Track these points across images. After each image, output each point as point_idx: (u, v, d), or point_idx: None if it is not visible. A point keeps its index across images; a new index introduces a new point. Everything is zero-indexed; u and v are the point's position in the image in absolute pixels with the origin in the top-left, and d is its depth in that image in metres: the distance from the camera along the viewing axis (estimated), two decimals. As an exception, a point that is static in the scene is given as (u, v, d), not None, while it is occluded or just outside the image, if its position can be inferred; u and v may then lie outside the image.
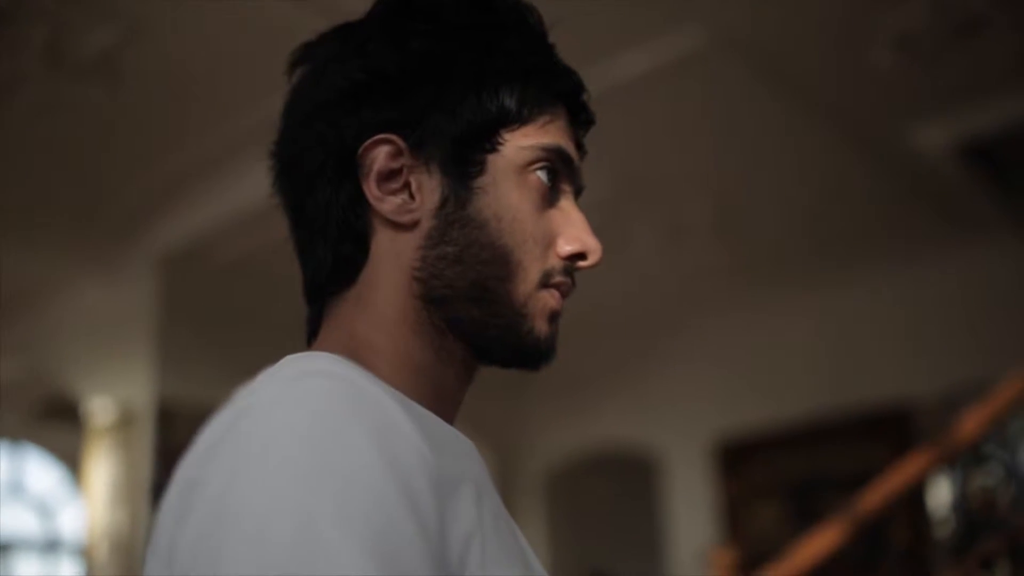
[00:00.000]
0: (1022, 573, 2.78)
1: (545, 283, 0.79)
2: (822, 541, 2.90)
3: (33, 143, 3.79)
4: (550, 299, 0.79)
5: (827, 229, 4.83)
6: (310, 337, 0.83)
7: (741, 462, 5.55)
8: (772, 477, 5.45)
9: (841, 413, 5.20)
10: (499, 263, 0.77)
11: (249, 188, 4.04)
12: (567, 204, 0.82)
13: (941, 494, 4.71)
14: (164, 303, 4.61)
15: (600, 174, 4.09)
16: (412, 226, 0.78)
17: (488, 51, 0.79)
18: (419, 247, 0.78)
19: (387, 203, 0.78)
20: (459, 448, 0.72)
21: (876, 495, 2.89)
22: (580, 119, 0.85)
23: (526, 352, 0.80)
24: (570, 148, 0.82)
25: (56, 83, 3.47)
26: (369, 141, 0.77)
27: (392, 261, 0.78)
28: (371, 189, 0.78)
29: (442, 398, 0.79)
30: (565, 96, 0.83)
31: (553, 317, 0.80)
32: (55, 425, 5.93)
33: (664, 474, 5.89)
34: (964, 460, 4.31)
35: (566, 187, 0.82)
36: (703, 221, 4.65)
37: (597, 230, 0.82)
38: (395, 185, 0.78)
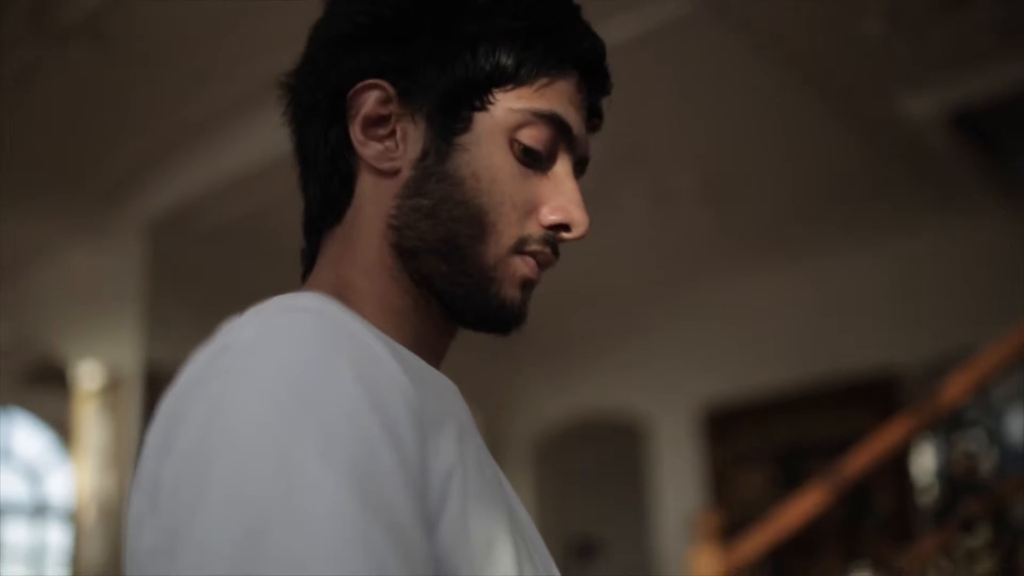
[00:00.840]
0: (1002, 537, 2.81)
1: (520, 249, 0.77)
2: (805, 505, 2.93)
3: (19, 108, 3.76)
4: (523, 266, 0.78)
5: (814, 197, 4.84)
6: (305, 273, 0.83)
7: (728, 428, 5.58)
8: (758, 443, 5.49)
9: (827, 380, 5.22)
10: (471, 222, 0.76)
11: (236, 153, 4.02)
12: (561, 172, 0.79)
13: (925, 460, 4.75)
14: (152, 267, 4.60)
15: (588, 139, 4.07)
16: (393, 174, 0.78)
17: (493, 7, 0.77)
18: (397, 195, 0.78)
19: (370, 148, 0.78)
20: (442, 388, 0.73)
21: (859, 460, 2.92)
22: (595, 86, 0.82)
23: (492, 315, 0.79)
24: (569, 115, 0.78)
25: (42, 47, 3.45)
26: (360, 85, 0.77)
27: (373, 205, 0.79)
28: (356, 132, 0.78)
29: (424, 345, 0.79)
30: (576, 60, 0.80)
31: (525, 284, 0.79)
32: (43, 390, 5.92)
33: (651, 440, 5.93)
34: (948, 426, 4.35)
35: (563, 155, 0.79)
36: (690, 188, 4.65)
37: (585, 196, 0.79)
38: (382, 131, 0.78)
